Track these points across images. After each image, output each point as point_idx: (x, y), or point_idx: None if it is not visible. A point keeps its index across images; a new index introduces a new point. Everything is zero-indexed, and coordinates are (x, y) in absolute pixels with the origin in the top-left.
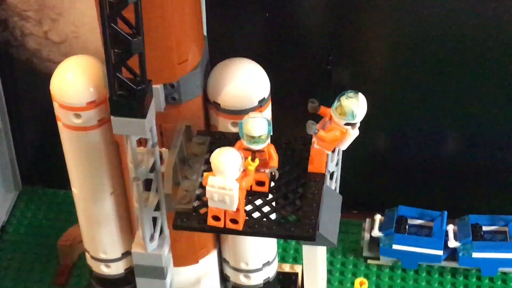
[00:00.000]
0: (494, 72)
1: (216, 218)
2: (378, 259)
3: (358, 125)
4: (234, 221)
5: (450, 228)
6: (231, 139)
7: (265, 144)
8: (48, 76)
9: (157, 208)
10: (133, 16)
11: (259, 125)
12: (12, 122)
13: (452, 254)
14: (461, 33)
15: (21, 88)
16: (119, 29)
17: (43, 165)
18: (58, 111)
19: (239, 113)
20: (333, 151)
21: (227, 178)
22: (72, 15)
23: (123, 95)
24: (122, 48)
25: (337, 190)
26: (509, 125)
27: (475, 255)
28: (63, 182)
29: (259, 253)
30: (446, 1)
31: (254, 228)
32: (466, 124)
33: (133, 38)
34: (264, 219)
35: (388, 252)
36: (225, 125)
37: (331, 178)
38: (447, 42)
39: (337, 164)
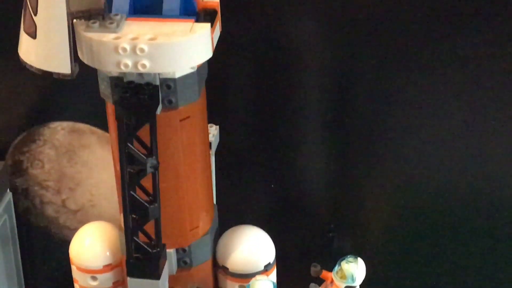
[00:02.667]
0: (491, 235)
1: None
2: None
3: None
4: None
5: None
6: None
7: None
8: (63, 242)
9: None
10: (150, 185)
11: (264, 287)
12: (28, 286)
13: None
14: (457, 202)
15: (38, 253)
16: (137, 196)
17: None
18: (75, 273)
19: (246, 277)
20: None
21: None
22: (89, 185)
23: (139, 258)
24: (139, 214)
25: None
26: None
27: None
28: None
29: None
30: (440, 172)
31: None
32: (462, 274)
33: (150, 205)
34: None
35: None
36: (233, 287)
37: None
38: (444, 212)
39: None
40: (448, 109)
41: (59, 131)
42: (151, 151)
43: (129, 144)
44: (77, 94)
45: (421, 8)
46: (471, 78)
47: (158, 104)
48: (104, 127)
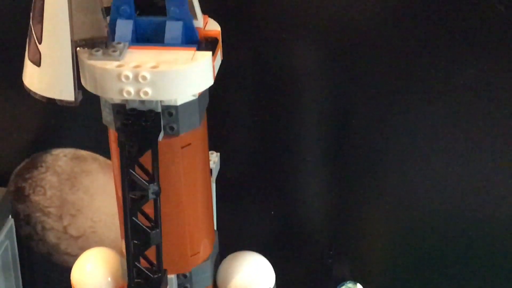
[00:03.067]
0: (491, 260)
1: None
2: None
3: None
4: None
5: None
6: None
7: None
8: (65, 268)
9: None
10: (152, 210)
11: None
12: None
13: None
14: (456, 230)
15: (39, 280)
16: (139, 222)
17: None
18: None
19: None
20: None
21: None
22: (90, 211)
23: (141, 283)
24: (141, 239)
25: None
26: None
27: None
28: None
29: None
30: (438, 200)
31: None
32: None
33: (151, 231)
34: None
35: None
36: None
37: None
38: (442, 239)
39: None
40: (447, 138)
41: (61, 158)
42: (153, 177)
43: (131, 170)
44: (79, 121)
45: (420, 40)
46: (469, 108)
47: (160, 131)
48: (106, 154)
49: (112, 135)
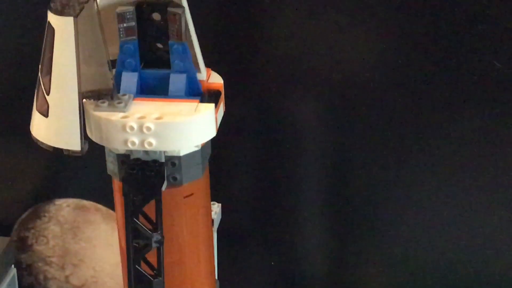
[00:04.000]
0: None
1: None
2: None
3: None
4: None
5: None
6: None
7: None
8: None
9: None
10: (155, 259)
11: None
12: None
13: None
14: (456, 284)
15: None
16: (142, 270)
17: None
18: None
19: None
20: None
21: None
22: (92, 261)
23: None
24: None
25: None
26: None
27: None
28: None
29: None
30: (439, 252)
31: None
32: None
33: (154, 279)
34: None
35: None
36: None
37: None
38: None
39: None
40: (446, 190)
41: (64, 208)
42: (156, 226)
43: (135, 219)
44: (82, 171)
45: (419, 92)
46: (470, 160)
47: (164, 181)
48: (108, 204)
49: (116, 185)
